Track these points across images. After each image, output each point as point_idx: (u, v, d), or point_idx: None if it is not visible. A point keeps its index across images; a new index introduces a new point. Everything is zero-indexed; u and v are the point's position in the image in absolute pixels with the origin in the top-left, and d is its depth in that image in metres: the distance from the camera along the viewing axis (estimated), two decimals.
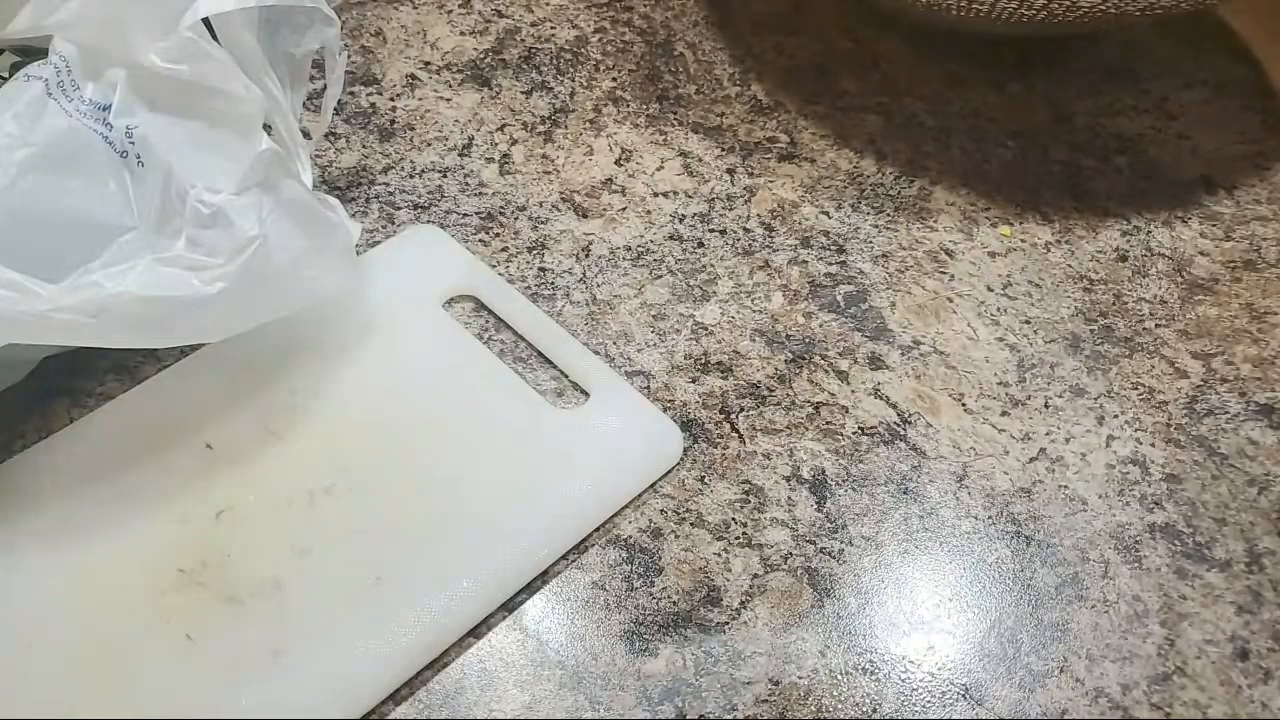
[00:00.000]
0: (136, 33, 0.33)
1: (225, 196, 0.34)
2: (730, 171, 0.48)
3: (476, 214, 0.46)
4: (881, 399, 0.41)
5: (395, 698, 0.33)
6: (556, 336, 0.41)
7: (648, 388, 0.41)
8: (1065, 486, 0.39)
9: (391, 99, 0.50)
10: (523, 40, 0.53)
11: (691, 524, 0.37)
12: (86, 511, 0.35)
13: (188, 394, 0.38)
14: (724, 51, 0.54)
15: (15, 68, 0.36)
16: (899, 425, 0.40)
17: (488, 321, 0.42)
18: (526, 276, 0.44)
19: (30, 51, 0.38)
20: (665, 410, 0.40)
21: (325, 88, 0.40)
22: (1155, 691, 0.34)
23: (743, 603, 0.35)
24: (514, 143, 0.49)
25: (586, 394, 0.40)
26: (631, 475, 0.38)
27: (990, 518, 0.38)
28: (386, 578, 0.34)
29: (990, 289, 0.45)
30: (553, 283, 0.44)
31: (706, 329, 0.43)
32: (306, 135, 0.39)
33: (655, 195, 0.47)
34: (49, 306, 0.31)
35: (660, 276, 0.44)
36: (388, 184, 0.46)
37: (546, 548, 0.36)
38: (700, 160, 0.49)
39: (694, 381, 0.41)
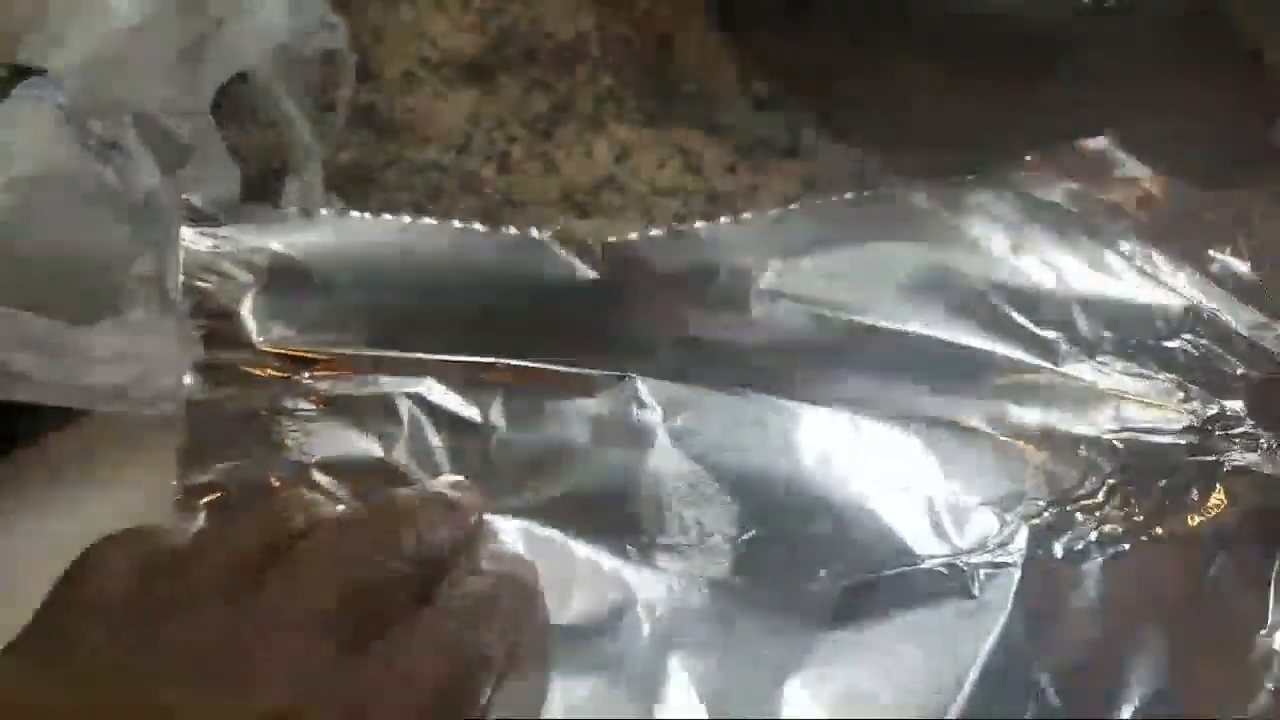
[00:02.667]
0: (140, 76, 0.34)
1: None
2: (731, 169, 0.48)
3: (476, 213, 0.46)
4: None
5: None
6: None
7: None
8: None
9: (390, 96, 0.50)
10: (522, 37, 0.53)
11: None
12: (86, 511, 0.35)
13: None
14: (725, 49, 0.54)
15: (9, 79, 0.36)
16: None
17: None
18: None
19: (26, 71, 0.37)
20: None
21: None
22: None
23: None
24: (513, 140, 0.49)
25: None
26: None
27: None
28: None
29: None
30: None
31: None
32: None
33: (656, 194, 0.47)
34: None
35: None
36: (387, 182, 0.46)
37: None
38: (701, 158, 0.49)
39: None
